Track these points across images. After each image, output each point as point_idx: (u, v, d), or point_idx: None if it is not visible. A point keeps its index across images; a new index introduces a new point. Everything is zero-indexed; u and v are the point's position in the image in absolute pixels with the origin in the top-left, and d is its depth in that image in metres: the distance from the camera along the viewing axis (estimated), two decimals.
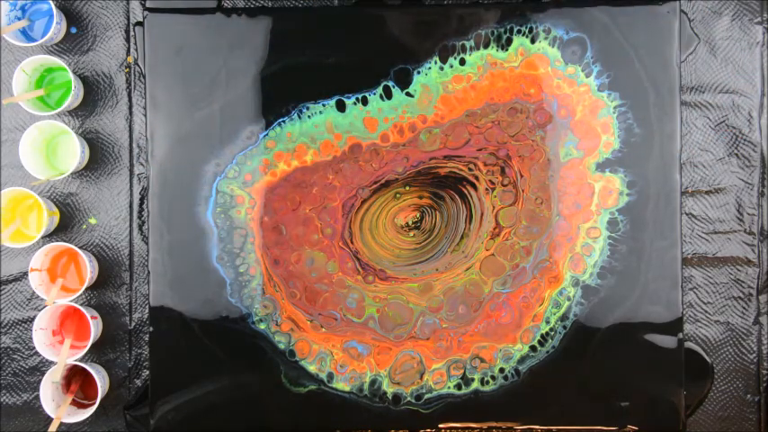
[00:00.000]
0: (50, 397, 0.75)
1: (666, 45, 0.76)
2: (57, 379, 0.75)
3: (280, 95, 0.76)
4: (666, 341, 0.76)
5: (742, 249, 0.80)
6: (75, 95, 0.77)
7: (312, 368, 0.77)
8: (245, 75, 0.76)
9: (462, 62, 0.76)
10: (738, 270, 0.80)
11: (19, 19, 0.79)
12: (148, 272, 0.77)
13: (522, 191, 0.77)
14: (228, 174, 0.77)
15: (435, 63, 0.76)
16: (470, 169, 0.77)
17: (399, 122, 0.76)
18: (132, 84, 0.80)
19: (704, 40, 0.80)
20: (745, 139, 0.80)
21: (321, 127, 0.76)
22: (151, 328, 0.76)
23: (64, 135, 0.79)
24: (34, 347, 0.77)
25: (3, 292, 0.80)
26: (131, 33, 0.80)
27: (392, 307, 0.77)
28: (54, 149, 0.80)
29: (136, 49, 0.80)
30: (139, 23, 0.80)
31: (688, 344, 0.80)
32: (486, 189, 0.77)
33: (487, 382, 0.77)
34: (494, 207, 0.77)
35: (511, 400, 0.76)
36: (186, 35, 0.76)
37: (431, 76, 0.76)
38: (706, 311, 0.80)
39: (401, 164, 0.77)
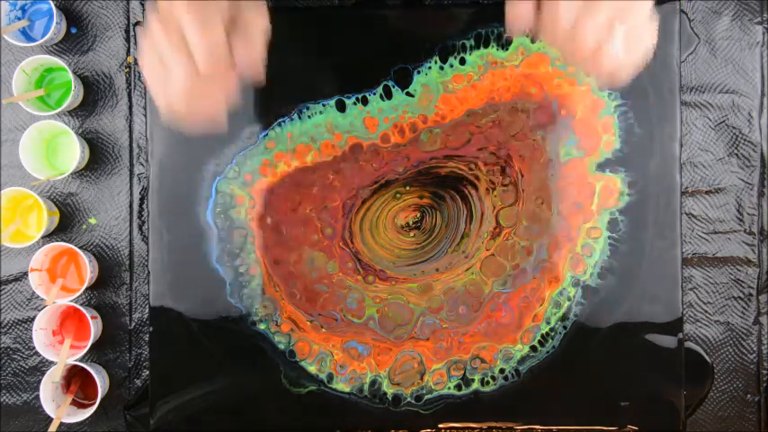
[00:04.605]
0: (50, 397, 0.75)
1: (666, 45, 0.76)
2: (57, 379, 0.75)
3: (280, 95, 0.76)
4: (666, 341, 0.76)
5: (742, 249, 0.80)
6: (75, 95, 0.77)
7: (312, 368, 0.77)
8: None
9: (462, 61, 0.76)
10: (738, 270, 0.80)
11: (19, 19, 0.79)
12: (148, 272, 0.77)
13: (523, 191, 0.77)
14: (228, 174, 0.77)
15: (435, 62, 0.76)
16: (471, 169, 0.77)
17: (400, 122, 0.76)
18: (132, 84, 0.80)
19: (704, 40, 0.80)
20: (745, 139, 0.80)
21: (321, 127, 0.76)
22: (151, 328, 0.76)
23: (64, 135, 0.79)
24: (34, 347, 0.77)
25: (3, 292, 0.80)
26: (131, 33, 0.80)
27: (392, 307, 0.77)
28: (54, 149, 0.80)
29: (136, 49, 0.80)
30: (139, 23, 0.80)
31: (688, 344, 0.80)
32: (487, 189, 0.77)
33: (488, 383, 0.77)
34: (494, 207, 0.77)
35: (511, 401, 0.76)
36: None
37: (431, 76, 0.76)
38: (706, 311, 0.80)
39: (401, 164, 0.77)
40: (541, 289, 0.76)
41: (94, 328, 0.76)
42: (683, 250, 0.79)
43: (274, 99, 0.76)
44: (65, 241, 0.79)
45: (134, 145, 0.80)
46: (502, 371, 0.76)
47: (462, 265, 0.77)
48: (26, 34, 0.80)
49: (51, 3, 0.76)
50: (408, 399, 0.77)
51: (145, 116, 0.77)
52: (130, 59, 0.81)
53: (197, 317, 0.76)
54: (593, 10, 0.47)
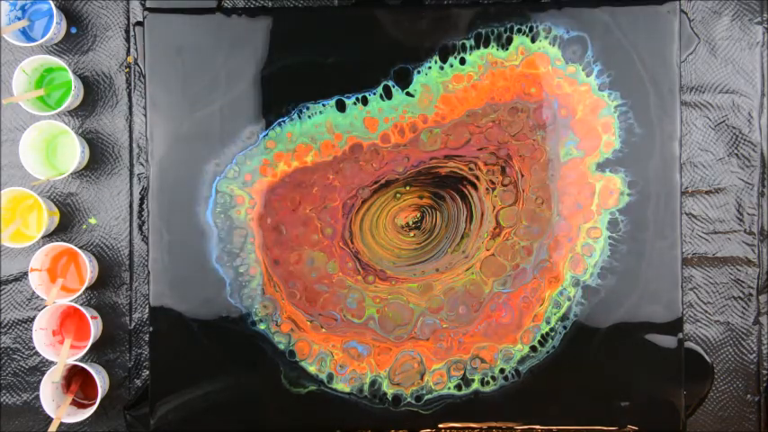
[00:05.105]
0: (50, 397, 0.75)
1: (666, 45, 0.76)
2: (57, 379, 0.75)
3: (280, 95, 0.76)
4: (666, 341, 0.76)
5: (742, 249, 0.80)
6: (75, 95, 0.77)
7: (312, 369, 0.77)
8: (245, 75, 0.76)
9: (462, 61, 0.76)
10: (738, 270, 0.80)
11: (19, 19, 0.79)
12: (148, 272, 0.77)
13: (523, 191, 0.77)
14: (228, 174, 0.77)
15: (435, 62, 0.76)
16: (471, 169, 0.77)
17: (400, 122, 0.76)
18: (132, 84, 0.80)
19: (704, 40, 0.80)
20: (745, 139, 0.80)
21: (321, 127, 0.76)
22: (151, 328, 0.76)
23: (64, 135, 0.79)
24: (34, 347, 0.77)
25: (3, 292, 0.80)
26: (131, 33, 0.80)
27: (392, 307, 0.77)
28: (54, 149, 0.80)
29: (136, 49, 0.80)
30: (139, 23, 0.80)
31: (688, 344, 0.80)
32: (487, 189, 0.77)
33: (488, 383, 0.77)
34: (494, 207, 0.77)
35: (511, 401, 0.76)
36: (186, 35, 0.76)
37: (431, 76, 0.76)
38: (706, 311, 0.80)
39: (401, 164, 0.77)
40: (541, 289, 0.76)
41: (94, 328, 0.76)
42: (683, 250, 0.79)
43: (274, 99, 0.76)
44: (65, 241, 0.79)
45: (134, 145, 0.80)
46: (502, 371, 0.76)
47: (462, 265, 0.77)
48: (26, 34, 0.80)
49: (51, 3, 0.76)
50: (408, 399, 0.77)
51: (145, 116, 0.77)
52: (130, 59, 0.81)
53: (197, 317, 0.76)
54: None
